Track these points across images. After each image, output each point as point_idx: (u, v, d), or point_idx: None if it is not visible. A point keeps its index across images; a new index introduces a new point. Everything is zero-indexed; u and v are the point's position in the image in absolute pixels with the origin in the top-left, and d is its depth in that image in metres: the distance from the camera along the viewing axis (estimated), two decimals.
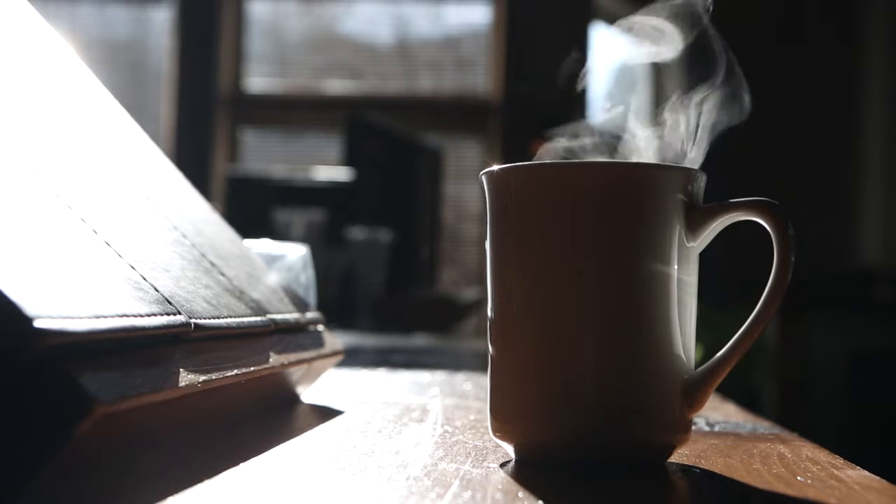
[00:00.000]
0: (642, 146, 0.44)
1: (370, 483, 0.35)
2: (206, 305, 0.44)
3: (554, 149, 0.45)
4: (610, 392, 0.39)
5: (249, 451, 0.41)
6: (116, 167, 0.52)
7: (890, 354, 3.07)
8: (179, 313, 0.40)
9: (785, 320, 3.08)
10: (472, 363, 1.01)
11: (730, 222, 0.41)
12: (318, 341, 0.61)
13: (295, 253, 0.69)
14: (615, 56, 0.43)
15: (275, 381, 0.54)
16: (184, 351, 0.40)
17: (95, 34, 3.65)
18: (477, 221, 3.53)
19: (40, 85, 0.51)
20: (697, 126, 0.44)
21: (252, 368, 0.46)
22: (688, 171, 0.41)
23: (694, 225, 0.41)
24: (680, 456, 0.43)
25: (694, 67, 0.44)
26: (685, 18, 0.44)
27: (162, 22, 3.65)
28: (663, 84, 3.72)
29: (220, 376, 0.41)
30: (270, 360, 0.50)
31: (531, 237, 0.41)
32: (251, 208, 2.36)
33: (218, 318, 0.45)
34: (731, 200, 0.41)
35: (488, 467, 0.39)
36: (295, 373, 0.57)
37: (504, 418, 0.42)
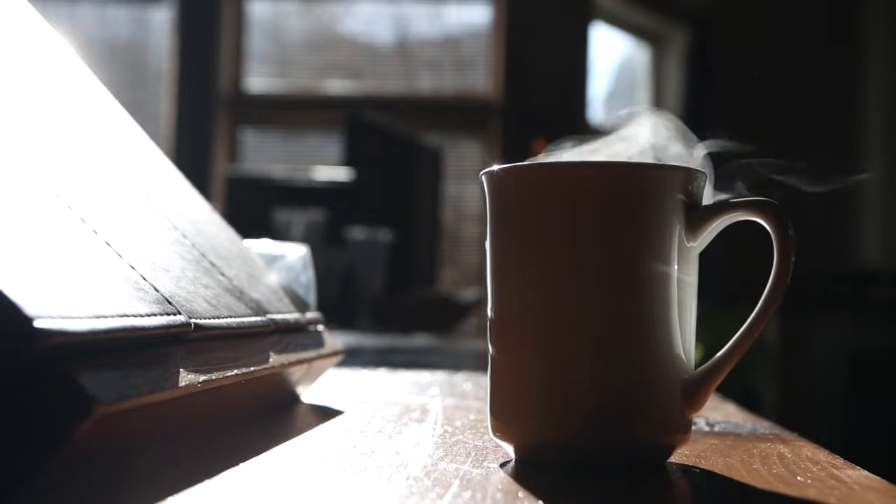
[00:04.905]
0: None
1: (370, 483, 0.35)
2: (206, 305, 0.44)
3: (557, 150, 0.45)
4: (610, 392, 0.39)
5: (249, 451, 0.41)
6: (116, 167, 0.52)
7: (890, 354, 3.07)
8: (179, 313, 0.40)
9: (785, 320, 3.08)
10: (472, 363, 1.01)
11: (730, 222, 0.41)
12: (318, 341, 0.61)
13: (295, 253, 0.69)
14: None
15: (275, 381, 0.54)
16: (184, 351, 0.40)
17: (95, 34, 3.65)
18: (477, 221, 3.53)
19: (40, 85, 0.51)
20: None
21: (252, 368, 0.46)
22: (688, 171, 0.41)
23: (694, 225, 0.41)
24: (680, 456, 0.43)
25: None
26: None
27: (162, 22, 3.65)
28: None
29: (220, 376, 0.41)
30: (270, 360, 0.50)
31: (531, 237, 0.41)
32: (251, 208, 2.36)
33: (218, 318, 0.45)
34: (731, 200, 0.41)
35: (488, 467, 0.39)
36: (295, 373, 0.57)
37: (504, 418, 0.42)
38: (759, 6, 3.59)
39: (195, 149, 3.51)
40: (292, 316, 0.58)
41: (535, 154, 0.45)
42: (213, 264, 0.52)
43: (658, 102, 3.84)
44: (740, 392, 2.74)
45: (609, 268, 0.40)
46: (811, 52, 3.54)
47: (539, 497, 0.34)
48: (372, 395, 0.65)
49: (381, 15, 3.70)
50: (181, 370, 0.38)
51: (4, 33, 0.50)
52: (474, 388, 0.71)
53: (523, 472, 0.39)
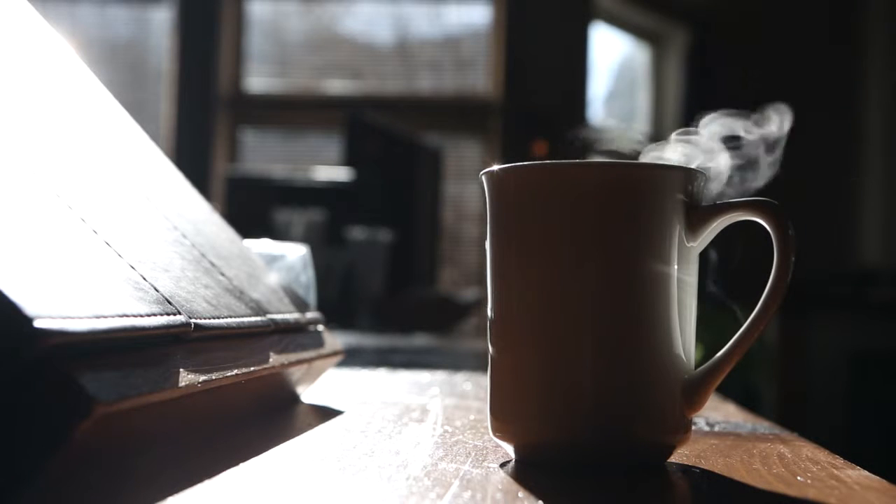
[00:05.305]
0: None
1: (370, 483, 0.35)
2: (206, 305, 0.44)
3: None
4: (610, 392, 0.39)
5: (249, 451, 0.41)
6: (116, 167, 0.52)
7: (890, 354, 3.07)
8: (179, 313, 0.40)
9: (785, 320, 3.08)
10: (472, 363, 1.01)
11: (730, 222, 0.41)
12: (318, 341, 0.61)
13: (295, 253, 0.69)
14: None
15: (275, 381, 0.54)
16: (184, 351, 0.40)
17: (95, 34, 3.65)
18: (477, 221, 3.53)
19: (40, 85, 0.51)
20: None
21: (252, 368, 0.46)
22: (688, 171, 0.41)
23: (694, 225, 0.41)
24: (680, 456, 0.43)
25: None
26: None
27: (162, 22, 3.65)
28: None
29: (220, 376, 0.41)
30: (270, 360, 0.50)
31: (531, 237, 0.41)
32: (251, 208, 2.36)
33: (218, 318, 0.45)
34: (731, 200, 0.41)
35: (488, 467, 0.39)
36: (295, 373, 0.57)
37: (504, 418, 0.42)
38: (759, 6, 3.59)
39: (195, 149, 3.51)
40: (292, 316, 0.58)
41: (534, 154, 0.45)
42: (213, 264, 0.52)
43: (658, 102, 3.84)
44: (740, 392, 2.74)
45: (609, 268, 0.40)
46: (811, 52, 3.54)
47: (539, 497, 0.34)
48: (372, 395, 0.65)
49: (381, 15, 3.70)
50: (181, 370, 0.38)
51: (4, 33, 0.50)
52: (474, 388, 0.71)
53: (523, 472, 0.39)
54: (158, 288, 0.41)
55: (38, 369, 0.29)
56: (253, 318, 0.50)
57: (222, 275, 0.52)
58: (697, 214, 0.41)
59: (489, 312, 0.43)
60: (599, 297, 0.39)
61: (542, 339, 0.40)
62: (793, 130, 0.44)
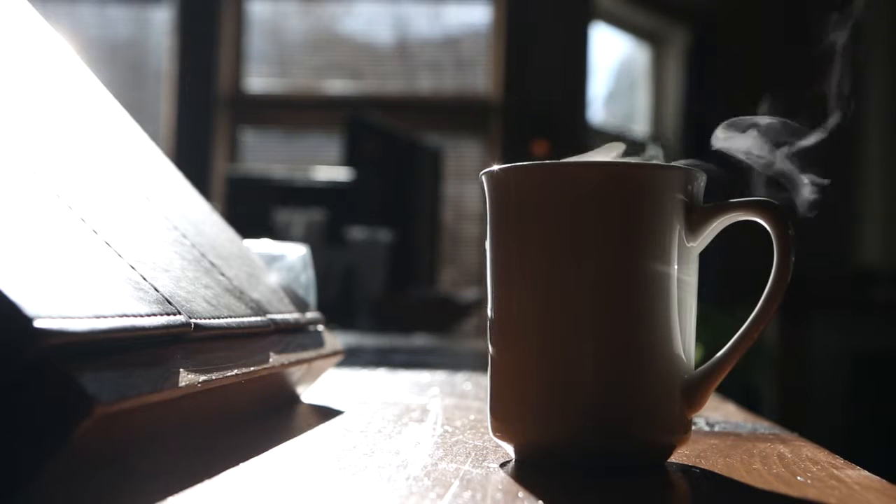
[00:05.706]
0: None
1: (370, 483, 0.35)
2: (206, 305, 0.44)
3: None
4: (610, 392, 0.39)
5: (249, 451, 0.41)
6: (116, 167, 0.52)
7: (890, 354, 3.07)
8: (179, 313, 0.40)
9: (785, 320, 3.08)
10: (472, 363, 1.01)
11: (730, 222, 0.41)
12: (318, 341, 0.61)
13: (295, 253, 0.69)
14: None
15: (275, 381, 0.54)
16: (184, 351, 0.40)
17: (95, 34, 3.65)
18: (477, 221, 3.53)
19: (40, 85, 0.51)
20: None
21: (252, 368, 0.46)
22: (688, 171, 0.41)
23: (694, 225, 0.41)
24: (680, 456, 0.43)
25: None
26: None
27: (162, 22, 3.65)
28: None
29: (220, 376, 0.41)
30: (270, 360, 0.50)
31: (531, 237, 0.41)
32: (251, 208, 2.36)
33: (218, 318, 0.45)
34: (731, 200, 0.41)
35: (488, 467, 0.39)
36: (295, 373, 0.57)
37: (504, 418, 0.42)
38: (758, 6, 3.59)
39: (195, 149, 3.51)
40: (292, 316, 0.58)
41: (534, 154, 0.45)
42: (213, 264, 0.52)
43: (658, 102, 3.84)
44: (740, 392, 2.74)
45: (609, 268, 0.40)
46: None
47: (539, 497, 0.34)
48: (372, 395, 0.65)
49: (381, 15, 3.70)
50: (181, 370, 0.38)
51: (5, 33, 0.50)
52: (474, 388, 0.71)
53: (523, 472, 0.39)
54: (158, 288, 0.41)
55: (38, 369, 0.29)
56: (253, 318, 0.50)
57: (222, 275, 0.52)
58: (697, 214, 0.41)
59: (489, 312, 0.43)
60: (599, 297, 0.39)
61: (542, 339, 0.40)
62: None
